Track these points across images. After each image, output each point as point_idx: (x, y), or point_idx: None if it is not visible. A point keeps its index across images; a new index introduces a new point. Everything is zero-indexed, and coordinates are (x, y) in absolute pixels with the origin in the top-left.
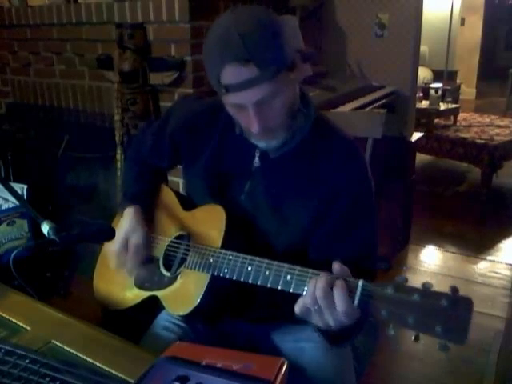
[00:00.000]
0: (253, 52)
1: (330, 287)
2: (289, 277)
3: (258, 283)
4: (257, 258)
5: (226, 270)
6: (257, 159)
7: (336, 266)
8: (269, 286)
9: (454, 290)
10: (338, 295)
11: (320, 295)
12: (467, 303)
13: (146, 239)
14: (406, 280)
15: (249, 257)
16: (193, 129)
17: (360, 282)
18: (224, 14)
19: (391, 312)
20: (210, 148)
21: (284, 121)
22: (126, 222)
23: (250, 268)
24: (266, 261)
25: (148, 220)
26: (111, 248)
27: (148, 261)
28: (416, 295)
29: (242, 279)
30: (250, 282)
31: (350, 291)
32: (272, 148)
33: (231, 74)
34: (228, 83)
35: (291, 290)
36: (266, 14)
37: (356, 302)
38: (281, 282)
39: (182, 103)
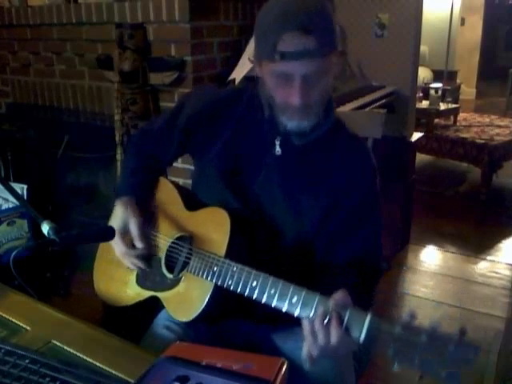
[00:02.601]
0: (315, 25)
1: (325, 323)
2: (295, 299)
3: (263, 301)
4: (262, 274)
5: (229, 282)
6: (278, 148)
7: (339, 295)
8: (274, 305)
9: (463, 332)
10: (332, 331)
11: (317, 334)
12: (474, 350)
13: (141, 229)
14: (415, 316)
15: (254, 271)
16: (211, 115)
17: (368, 317)
18: None
19: (398, 351)
20: (228, 134)
21: (320, 103)
22: (121, 212)
23: (254, 283)
24: (272, 278)
25: (143, 212)
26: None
27: (148, 258)
28: (424, 336)
29: (245, 294)
30: (254, 298)
31: (356, 325)
32: (301, 130)
33: (291, 41)
34: (285, 50)
35: (296, 314)
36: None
37: (363, 337)
38: (286, 303)
39: (198, 92)
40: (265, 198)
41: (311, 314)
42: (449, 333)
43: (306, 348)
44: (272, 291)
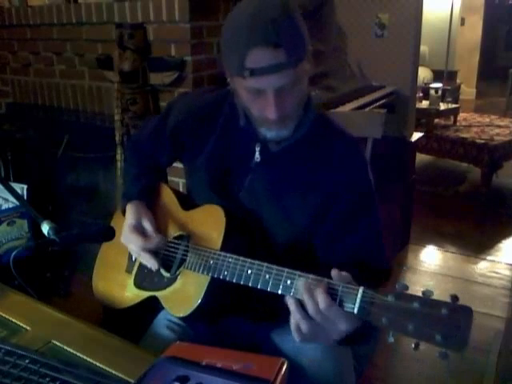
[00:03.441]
0: (283, 37)
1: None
2: (289, 281)
3: (258, 287)
4: (256, 262)
5: (225, 273)
6: (257, 154)
7: (334, 273)
8: (269, 289)
9: (454, 298)
10: (319, 296)
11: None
12: (467, 312)
13: (154, 225)
14: (407, 287)
15: (249, 260)
16: (195, 124)
17: (360, 289)
18: None
19: (391, 320)
20: (212, 142)
21: (297, 111)
22: (134, 211)
23: (249, 271)
24: (266, 264)
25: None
26: (125, 237)
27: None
28: (416, 303)
29: (241, 282)
30: (249, 285)
31: (349, 298)
32: (280, 138)
33: (258, 57)
34: (253, 67)
35: (291, 295)
36: (290, 3)
37: (356, 308)
38: (281, 286)
39: (183, 98)
40: (252, 205)
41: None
42: (441, 299)
43: (294, 320)
44: (267, 277)
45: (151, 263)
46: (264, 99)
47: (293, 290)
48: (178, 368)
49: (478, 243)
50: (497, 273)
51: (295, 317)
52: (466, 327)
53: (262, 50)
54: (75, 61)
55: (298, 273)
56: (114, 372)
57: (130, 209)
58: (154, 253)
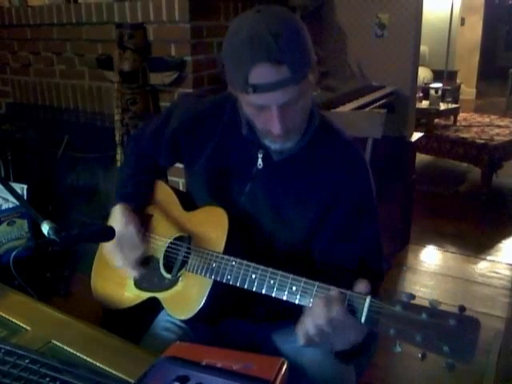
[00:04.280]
0: (286, 53)
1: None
2: (294, 288)
3: (263, 292)
4: (261, 267)
5: (228, 277)
6: (260, 161)
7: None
8: (274, 295)
9: (462, 309)
10: (335, 307)
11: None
12: (475, 323)
13: (138, 237)
14: (413, 297)
15: (252, 264)
16: (195, 128)
17: (368, 298)
18: (247, 13)
19: (399, 330)
20: (212, 147)
21: (301, 123)
22: (116, 220)
23: (253, 276)
24: (271, 270)
25: (140, 218)
26: (107, 248)
27: (146, 260)
28: (424, 314)
29: (245, 287)
30: (253, 290)
31: (357, 307)
32: (284, 149)
33: (261, 74)
34: (256, 83)
35: (297, 302)
36: (292, 16)
37: (363, 317)
38: (286, 292)
39: (184, 102)
40: (252, 210)
41: (311, 301)
42: (448, 310)
43: (304, 325)
44: (271, 282)
45: (133, 275)
46: (268, 114)
47: (298, 297)
48: (177, 368)
49: (478, 243)
50: (497, 273)
51: (306, 319)
52: (473, 339)
53: (265, 66)
54: (75, 61)
55: (303, 279)
56: (114, 372)
57: (115, 215)
58: (138, 261)
